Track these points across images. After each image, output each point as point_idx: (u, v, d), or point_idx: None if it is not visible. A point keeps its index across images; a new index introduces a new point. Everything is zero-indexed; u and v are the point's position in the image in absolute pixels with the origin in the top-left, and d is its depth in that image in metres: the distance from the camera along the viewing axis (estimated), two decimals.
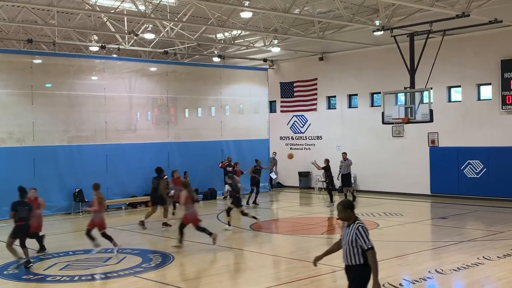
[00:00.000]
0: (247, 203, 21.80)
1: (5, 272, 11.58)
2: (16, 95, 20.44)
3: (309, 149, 27.96)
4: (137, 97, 23.66)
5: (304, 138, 28.30)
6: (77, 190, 20.81)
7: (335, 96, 27.04)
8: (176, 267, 11.94)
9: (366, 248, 6.62)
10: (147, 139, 23.32)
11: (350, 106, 26.59)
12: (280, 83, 28.85)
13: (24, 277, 11.25)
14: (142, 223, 16.98)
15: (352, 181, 25.27)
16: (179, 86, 24.92)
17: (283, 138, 29.14)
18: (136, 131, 23.52)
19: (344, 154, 22.49)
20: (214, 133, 25.42)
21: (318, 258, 7.26)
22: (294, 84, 28.38)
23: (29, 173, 19.56)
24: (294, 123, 28.74)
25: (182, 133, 24.77)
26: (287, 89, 28.74)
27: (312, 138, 27.88)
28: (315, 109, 27.66)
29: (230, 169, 22.63)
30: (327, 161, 21.74)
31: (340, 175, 22.06)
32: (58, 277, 11.16)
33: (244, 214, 16.85)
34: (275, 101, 29.22)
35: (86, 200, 20.80)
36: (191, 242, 14.68)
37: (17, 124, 20.00)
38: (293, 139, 28.80)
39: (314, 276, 10.67)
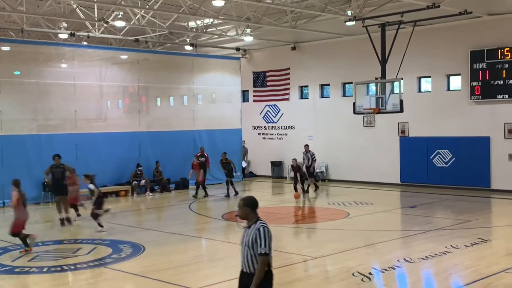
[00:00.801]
0: (236, 193, 21.53)
1: None
2: None
3: (282, 138, 28.02)
4: (107, 85, 23.34)
5: (276, 127, 28.33)
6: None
7: (307, 86, 27.12)
8: (147, 257, 11.86)
9: (260, 251, 5.91)
10: (118, 128, 23.04)
11: (322, 96, 26.67)
12: (253, 72, 28.79)
13: None
14: (68, 220, 15.83)
15: (323, 171, 25.58)
16: (151, 74, 24.60)
17: (256, 127, 29.12)
18: (107, 120, 23.21)
19: (307, 146, 22.88)
20: (186, 122, 25.22)
21: None
22: (267, 74, 28.35)
23: None
24: (266, 112, 28.74)
25: (154, 122, 24.52)
26: (259, 79, 28.70)
27: (285, 127, 27.94)
28: (287, 99, 27.70)
29: (202, 159, 22.46)
30: (295, 160, 21.66)
31: (304, 166, 22.22)
32: (27, 268, 11.01)
33: (95, 217, 14.85)
34: (247, 90, 29.15)
35: None
36: (162, 233, 14.65)
37: None
38: (266, 128, 28.81)
39: (285, 265, 10.72)
